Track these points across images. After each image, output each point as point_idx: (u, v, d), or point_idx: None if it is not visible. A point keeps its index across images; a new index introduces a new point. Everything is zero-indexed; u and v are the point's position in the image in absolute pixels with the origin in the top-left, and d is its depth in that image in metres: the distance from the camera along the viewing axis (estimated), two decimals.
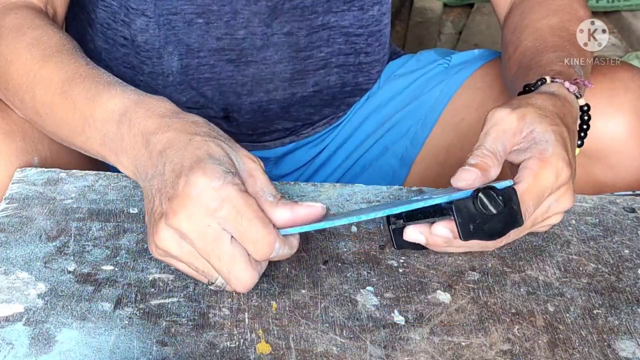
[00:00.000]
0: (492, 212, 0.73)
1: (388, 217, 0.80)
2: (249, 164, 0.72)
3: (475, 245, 0.78)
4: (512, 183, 0.76)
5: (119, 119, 0.77)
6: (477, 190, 0.74)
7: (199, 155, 0.70)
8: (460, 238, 0.74)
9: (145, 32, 1.05)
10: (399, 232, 0.79)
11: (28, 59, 0.87)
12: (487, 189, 0.74)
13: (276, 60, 1.10)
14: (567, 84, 0.86)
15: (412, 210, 0.76)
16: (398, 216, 0.79)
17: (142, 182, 0.74)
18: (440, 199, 0.75)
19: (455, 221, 0.74)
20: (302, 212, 0.71)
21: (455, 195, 0.74)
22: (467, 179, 0.76)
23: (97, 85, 0.81)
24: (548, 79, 0.87)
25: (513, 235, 0.78)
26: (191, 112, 0.77)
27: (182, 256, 0.70)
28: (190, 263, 0.71)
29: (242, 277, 0.70)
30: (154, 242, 0.70)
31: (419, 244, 0.79)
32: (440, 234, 0.76)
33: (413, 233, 0.78)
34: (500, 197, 0.74)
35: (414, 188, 0.92)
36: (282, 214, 0.71)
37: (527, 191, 0.76)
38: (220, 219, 0.68)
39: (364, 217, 0.74)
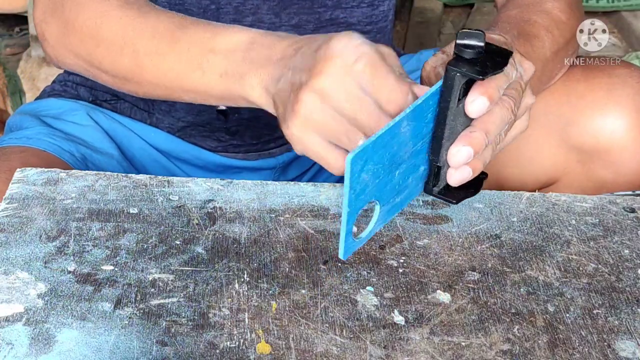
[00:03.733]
0: (481, 46, 0.71)
1: (426, 184, 0.76)
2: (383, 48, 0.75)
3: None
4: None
5: (247, 47, 0.80)
6: (452, 61, 0.71)
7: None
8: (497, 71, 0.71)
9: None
10: (445, 187, 0.75)
11: (123, 17, 0.88)
12: (455, 45, 0.71)
13: None
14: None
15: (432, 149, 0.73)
16: (431, 178, 0.75)
17: (281, 84, 0.76)
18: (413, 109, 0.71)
19: (475, 78, 0.71)
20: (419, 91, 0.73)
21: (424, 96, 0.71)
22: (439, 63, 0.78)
23: (213, 27, 0.83)
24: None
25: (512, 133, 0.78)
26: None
27: (325, 119, 0.71)
28: (332, 128, 0.71)
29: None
30: (296, 112, 0.71)
31: (472, 187, 0.75)
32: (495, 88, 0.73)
33: (463, 150, 0.72)
34: (472, 35, 0.72)
35: None
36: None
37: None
38: (357, 73, 0.70)
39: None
